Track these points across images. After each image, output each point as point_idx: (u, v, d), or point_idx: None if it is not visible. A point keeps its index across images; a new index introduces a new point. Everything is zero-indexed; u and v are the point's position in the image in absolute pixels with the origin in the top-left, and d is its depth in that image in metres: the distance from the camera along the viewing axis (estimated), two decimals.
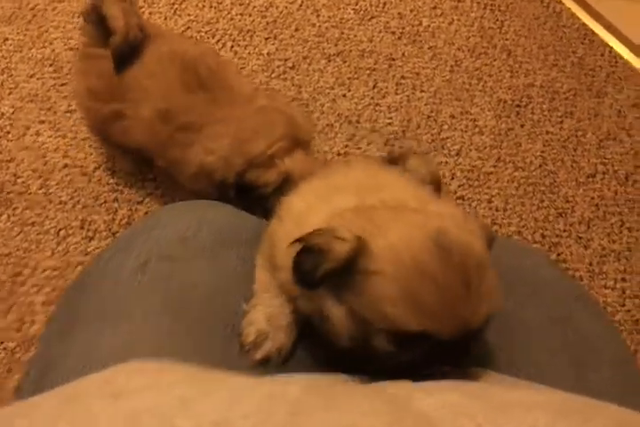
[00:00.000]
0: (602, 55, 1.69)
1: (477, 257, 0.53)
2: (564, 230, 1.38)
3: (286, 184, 1.00)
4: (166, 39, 1.09)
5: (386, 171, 0.79)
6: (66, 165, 1.34)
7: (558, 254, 1.34)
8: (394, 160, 1.02)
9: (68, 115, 1.41)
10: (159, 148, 1.11)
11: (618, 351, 0.71)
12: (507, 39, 1.70)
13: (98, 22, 1.05)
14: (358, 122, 1.49)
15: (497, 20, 1.73)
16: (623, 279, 1.32)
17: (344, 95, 1.53)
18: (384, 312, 0.51)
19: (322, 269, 0.52)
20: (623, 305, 1.29)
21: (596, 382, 0.64)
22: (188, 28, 1.60)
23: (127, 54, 1.04)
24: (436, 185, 1.00)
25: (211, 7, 1.66)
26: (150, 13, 1.62)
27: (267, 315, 0.64)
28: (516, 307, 0.70)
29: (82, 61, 1.14)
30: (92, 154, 1.36)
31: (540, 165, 1.46)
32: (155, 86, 1.05)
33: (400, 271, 0.51)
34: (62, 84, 1.45)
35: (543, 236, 1.36)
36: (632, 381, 0.67)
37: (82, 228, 1.26)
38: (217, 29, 1.62)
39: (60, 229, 1.25)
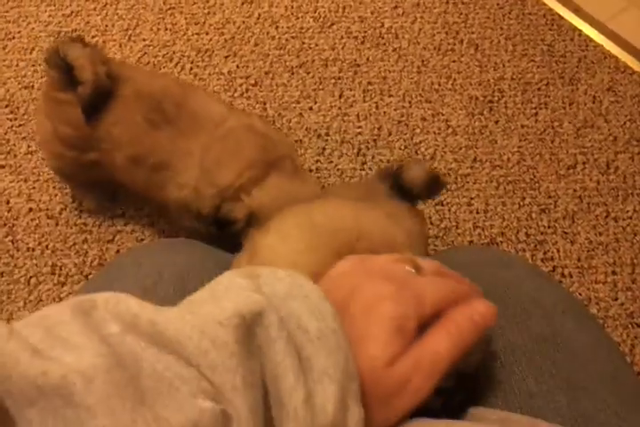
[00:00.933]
0: (571, 40, 1.65)
1: None
2: (549, 227, 1.34)
3: (255, 219, 0.96)
4: (130, 79, 1.04)
5: (364, 211, 0.75)
6: (31, 210, 1.31)
7: (545, 253, 1.30)
8: (388, 175, 0.97)
9: (29, 157, 1.38)
10: (142, 191, 1.10)
11: (611, 365, 0.68)
12: (472, 33, 1.65)
13: (61, 67, 1.01)
14: (327, 135, 1.45)
15: (461, 13, 1.69)
16: (613, 272, 1.29)
17: (310, 108, 1.49)
18: None
19: None
20: (616, 299, 1.26)
21: (590, 407, 0.61)
22: (145, 53, 1.57)
23: (96, 105, 1.01)
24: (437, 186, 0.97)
25: (166, 29, 1.62)
26: (104, 42, 1.58)
27: None
28: (500, 331, 0.67)
29: (47, 105, 1.09)
30: (56, 195, 1.33)
31: (519, 162, 1.42)
32: (122, 133, 1.02)
33: None
34: (20, 125, 1.42)
35: (527, 235, 1.33)
36: (627, 398, 0.65)
37: (53, 273, 1.23)
38: (174, 52, 1.58)
39: (30, 277, 1.22)
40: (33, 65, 1.53)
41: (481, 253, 0.93)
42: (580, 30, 1.67)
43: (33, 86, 1.49)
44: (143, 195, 1.13)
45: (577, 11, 1.71)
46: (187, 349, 0.35)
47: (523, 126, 1.48)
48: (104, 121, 1.02)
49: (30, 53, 1.55)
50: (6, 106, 1.45)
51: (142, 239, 1.27)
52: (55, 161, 1.17)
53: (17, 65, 1.53)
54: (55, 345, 0.34)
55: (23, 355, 0.33)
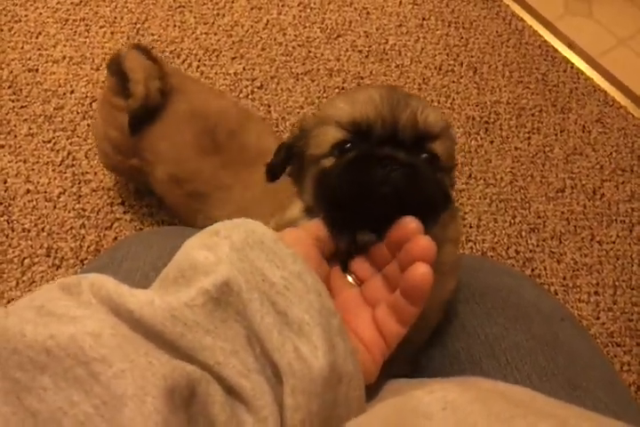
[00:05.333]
0: (564, 71, 1.73)
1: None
2: (537, 245, 1.39)
3: None
4: (187, 94, 1.04)
5: None
6: (28, 191, 1.29)
7: (532, 270, 1.35)
8: None
9: (29, 138, 1.36)
10: (175, 207, 1.10)
11: (606, 371, 0.71)
12: (472, 56, 1.71)
13: (119, 74, 1.01)
14: None
15: (462, 37, 1.75)
16: (596, 293, 1.34)
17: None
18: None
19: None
20: (598, 318, 1.30)
21: (590, 405, 0.63)
22: (152, 48, 1.57)
23: (143, 119, 1.00)
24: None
25: (175, 26, 1.63)
26: (112, 33, 1.58)
27: None
28: (505, 331, 0.70)
29: (102, 106, 1.09)
30: (55, 178, 1.31)
31: (511, 182, 1.48)
32: (169, 150, 1.01)
33: None
34: (22, 107, 1.40)
35: (517, 251, 1.37)
36: (623, 401, 0.67)
37: (48, 256, 1.21)
38: (182, 49, 1.59)
39: (24, 258, 1.20)
40: (39, 49, 1.52)
41: (488, 262, 0.97)
42: (573, 63, 1.75)
43: (37, 70, 1.48)
44: (174, 211, 1.13)
45: (570, 45, 1.80)
46: (164, 335, 0.37)
47: (516, 148, 1.54)
48: (152, 133, 1.01)
49: (36, 38, 1.54)
50: (9, 87, 1.43)
51: (141, 228, 1.26)
52: (103, 158, 1.17)
53: (22, 48, 1.51)
54: (52, 319, 0.35)
55: (27, 327, 0.34)
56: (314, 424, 0.38)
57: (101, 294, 0.38)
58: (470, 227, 1.38)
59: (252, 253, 0.42)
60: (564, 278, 1.34)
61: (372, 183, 0.51)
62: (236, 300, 0.40)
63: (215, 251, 0.42)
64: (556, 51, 1.78)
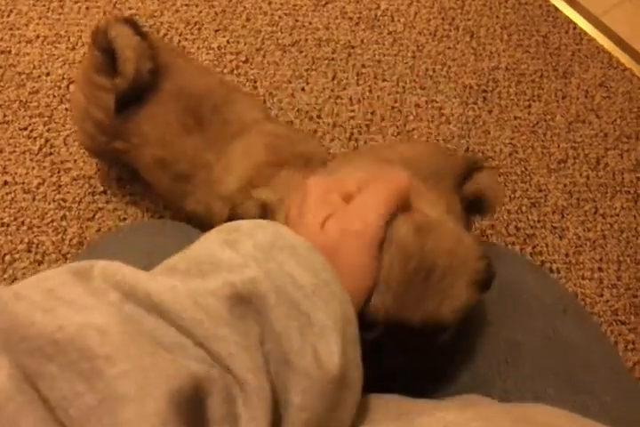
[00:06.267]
0: (566, 32, 1.63)
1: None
2: (539, 221, 1.33)
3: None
4: (174, 72, 0.97)
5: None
6: (6, 183, 1.24)
7: (534, 247, 1.30)
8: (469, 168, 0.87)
9: (5, 126, 1.30)
10: (163, 193, 1.06)
11: (611, 367, 0.68)
12: (469, 19, 1.62)
13: (106, 50, 0.94)
14: (319, 117, 1.41)
15: None
16: (600, 269, 1.29)
17: (302, 89, 1.45)
18: None
19: None
20: (601, 295, 1.26)
21: (596, 408, 0.61)
22: None
23: (130, 100, 0.94)
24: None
25: None
26: (87, 8, 1.50)
27: None
28: (508, 330, 0.67)
29: (84, 84, 1.02)
30: (33, 168, 1.26)
31: (511, 154, 1.41)
32: (153, 131, 0.95)
33: None
34: None
35: (517, 228, 1.32)
36: (630, 399, 0.65)
37: (29, 251, 1.17)
38: (162, 23, 1.51)
39: (4, 255, 1.16)
40: (10, 29, 1.44)
41: (485, 249, 0.92)
42: (575, 23, 1.66)
43: (10, 51, 1.41)
44: (163, 198, 1.10)
45: (572, 3, 1.70)
46: (183, 320, 0.37)
47: (516, 118, 1.47)
48: (137, 114, 0.95)
49: (8, 17, 1.46)
50: None
51: (125, 218, 1.21)
52: (85, 139, 1.10)
53: None
54: (60, 305, 0.35)
55: (36, 315, 0.34)
56: (314, 425, 0.39)
57: (115, 280, 0.38)
58: None
59: (281, 255, 0.42)
60: (567, 255, 1.30)
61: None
62: (258, 299, 0.40)
63: (237, 248, 0.42)
64: (557, 10, 1.68)
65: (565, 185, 1.38)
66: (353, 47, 1.53)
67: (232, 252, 0.42)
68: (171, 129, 0.94)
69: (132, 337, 0.35)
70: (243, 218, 0.81)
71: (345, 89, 1.46)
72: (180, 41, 1.48)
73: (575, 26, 1.65)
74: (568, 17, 1.67)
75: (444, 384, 0.64)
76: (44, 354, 0.33)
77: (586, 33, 1.64)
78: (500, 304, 0.70)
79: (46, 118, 1.32)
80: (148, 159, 0.98)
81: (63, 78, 1.38)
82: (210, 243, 0.44)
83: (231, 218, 0.93)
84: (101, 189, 1.25)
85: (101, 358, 0.33)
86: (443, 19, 1.62)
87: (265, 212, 0.79)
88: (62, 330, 0.34)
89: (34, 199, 1.22)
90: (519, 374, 0.62)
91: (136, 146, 0.98)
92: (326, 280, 0.42)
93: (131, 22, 0.96)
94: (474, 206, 0.84)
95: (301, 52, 1.51)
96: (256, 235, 0.44)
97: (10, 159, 1.26)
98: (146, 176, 1.04)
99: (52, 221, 1.20)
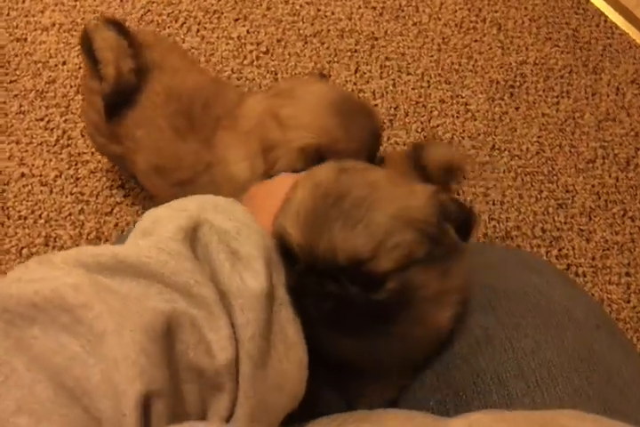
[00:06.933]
0: (597, 26, 1.58)
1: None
2: (565, 223, 1.30)
3: None
4: (164, 73, 0.94)
5: None
6: (23, 175, 1.21)
7: (560, 250, 1.26)
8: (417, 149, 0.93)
9: (21, 116, 1.28)
10: (164, 198, 1.02)
11: None
12: (496, 11, 1.57)
13: (90, 55, 0.92)
14: None
15: None
16: (627, 274, 1.26)
17: None
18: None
19: None
20: (628, 301, 1.23)
21: None
22: (148, 10, 1.45)
23: (118, 102, 0.91)
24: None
25: None
26: None
27: None
28: (535, 346, 0.63)
29: (84, 88, 1.01)
30: (51, 160, 1.23)
31: (538, 152, 1.37)
32: (146, 137, 0.93)
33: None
34: (11, 82, 1.31)
35: (543, 230, 1.28)
36: None
37: (46, 245, 1.15)
38: (180, 11, 1.47)
39: (22, 248, 1.14)
40: (26, 15, 1.41)
41: (512, 255, 0.89)
42: (607, 16, 1.60)
43: (26, 39, 1.37)
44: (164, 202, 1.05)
45: None
46: (149, 265, 0.43)
47: (543, 115, 1.42)
48: (129, 117, 0.92)
49: (23, 3, 1.42)
50: None
51: (143, 213, 1.19)
52: (91, 140, 1.08)
53: (8, 14, 1.40)
54: (34, 279, 0.41)
55: (12, 286, 0.39)
56: (258, 341, 0.46)
57: (79, 259, 0.43)
58: (494, 204, 1.29)
59: (208, 213, 0.51)
60: (593, 259, 1.26)
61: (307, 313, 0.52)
62: (201, 240, 0.49)
63: (171, 209, 0.52)
64: (587, 2, 1.62)
65: (594, 186, 1.34)
66: (376, 39, 1.49)
67: (167, 210, 0.52)
68: (164, 135, 0.92)
69: (102, 287, 0.41)
70: None
71: (368, 82, 1.42)
72: (198, 30, 1.44)
73: (606, 19, 1.60)
74: (599, 9, 1.61)
75: (472, 405, 0.62)
76: (25, 320, 0.38)
77: (617, 26, 1.59)
78: (530, 317, 0.67)
79: (63, 109, 1.29)
80: (144, 166, 0.95)
81: (80, 68, 1.34)
82: (147, 215, 0.53)
83: None
84: (119, 182, 1.22)
85: (79, 306, 0.39)
86: (469, 10, 1.57)
87: None
88: (39, 293, 0.39)
89: (51, 192, 1.20)
90: (550, 396, 0.59)
91: (131, 151, 0.96)
92: (245, 223, 0.52)
93: (115, 23, 0.94)
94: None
95: (323, 43, 1.46)
96: (187, 206, 0.52)
97: (27, 151, 1.24)
98: (144, 182, 1.02)
99: (70, 214, 1.18)
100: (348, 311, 0.52)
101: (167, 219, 0.49)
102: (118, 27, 0.93)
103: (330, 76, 1.41)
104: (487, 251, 0.90)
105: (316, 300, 0.51)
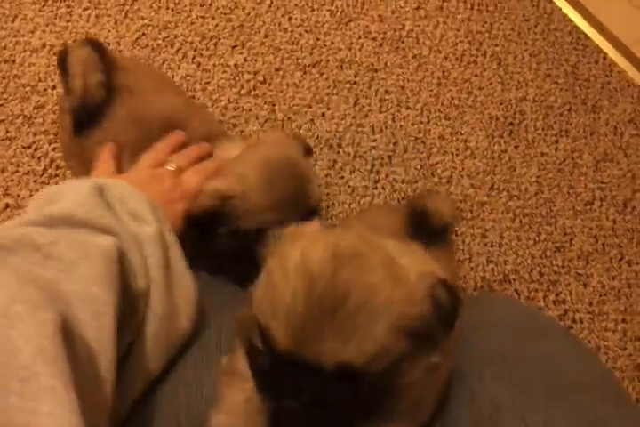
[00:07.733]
0: (596, 63, 1.57)
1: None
2: (563, 266, 1.28)
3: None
4: (133, 95, 0.90)
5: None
6: (7, 206, 1.16)
7: (557, 294, 1.25)
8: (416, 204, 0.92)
9: (7, 143, 1.22)
10: None
11: None
12: (496, 45, 1.56)
13: (64, 72, 0.88)
14: (340, 146, 1.34)
15: (485, 22, 1.59)
16: (624, 320, 1.24)
17: (323, 114, 1.37)
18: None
19: None
20: (624, 349, 1.22)
21: None
22: (143, 34, 1.41)
23: (85, 118, 0.87)
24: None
25: (168, 9, 1.46)
26: (97, 17, 1.41)
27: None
28: (546, 422, 0.61)
29: (59, 110, 0.98)
30: (37, 190, 1.18)
31: (536, 193, 1.36)
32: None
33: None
34: None
35: (541, 274, 1.27)
36: None
37: None
38: (176, 36, 1.42)
39: None
40: (15, 35, 1.35)
41: (522, 314, 0.86)
42: (606, 53, 1.59)
43: (14, 61, 1.32)
44: None
45: (602, 30, 1.64)
46: (77, 216, 0.55)
47: (542, 154, 1.41)
48: (92, 138, 0.89)
49: (12, 22, 1.37)
50: None
51: None
52: (65, 161, 1.08)
53: None
54: None
55: None
56: (162, 270, 0.61)
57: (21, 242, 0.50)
58: (492, 246, 1.27)
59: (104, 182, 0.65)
60: (591, 304, 1.25)
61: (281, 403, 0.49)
62: (106, 198, 0.62)
63: (69, 185, 0.64)
64: (587, 38, 1.62)
65: (591, 229, 1.33)
66: (376, 71, 1.46)
67: (59, 186, 0.64)
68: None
69: (59, 230, 0.52)
70: (199, 213, 0.84)
71: (367, 116, 1.39)
72: (194, 57, 1.40)
73: (605, 56, 1.59)
74: (598, 46, 1.61)
75: None
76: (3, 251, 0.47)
77: (616, 64, 1.58)
78: (540, 390, 0.65)
79: (52, 136, 1.24)
80: None
81: None
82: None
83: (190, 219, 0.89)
84: None
85: (47, 244, 0.49)
86: (470, 42, 1.55)
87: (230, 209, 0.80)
88: (9, 236, 0.48)
89: None
90: None
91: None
92: (141, 198, 0.65)
93: (93, 43, 0.90)
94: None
95: (322, 73, 1.43)
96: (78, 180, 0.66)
97: (12, 180, 1.18)
98: None
99: None
100: (324, 407, 0.49)
101: (73, 188, 0.60)
102: (96, 45, 0.90)
103: (329, 108, 1.38)
104: (496, 305, 0.88)
105: (291, 393, 0.48)
